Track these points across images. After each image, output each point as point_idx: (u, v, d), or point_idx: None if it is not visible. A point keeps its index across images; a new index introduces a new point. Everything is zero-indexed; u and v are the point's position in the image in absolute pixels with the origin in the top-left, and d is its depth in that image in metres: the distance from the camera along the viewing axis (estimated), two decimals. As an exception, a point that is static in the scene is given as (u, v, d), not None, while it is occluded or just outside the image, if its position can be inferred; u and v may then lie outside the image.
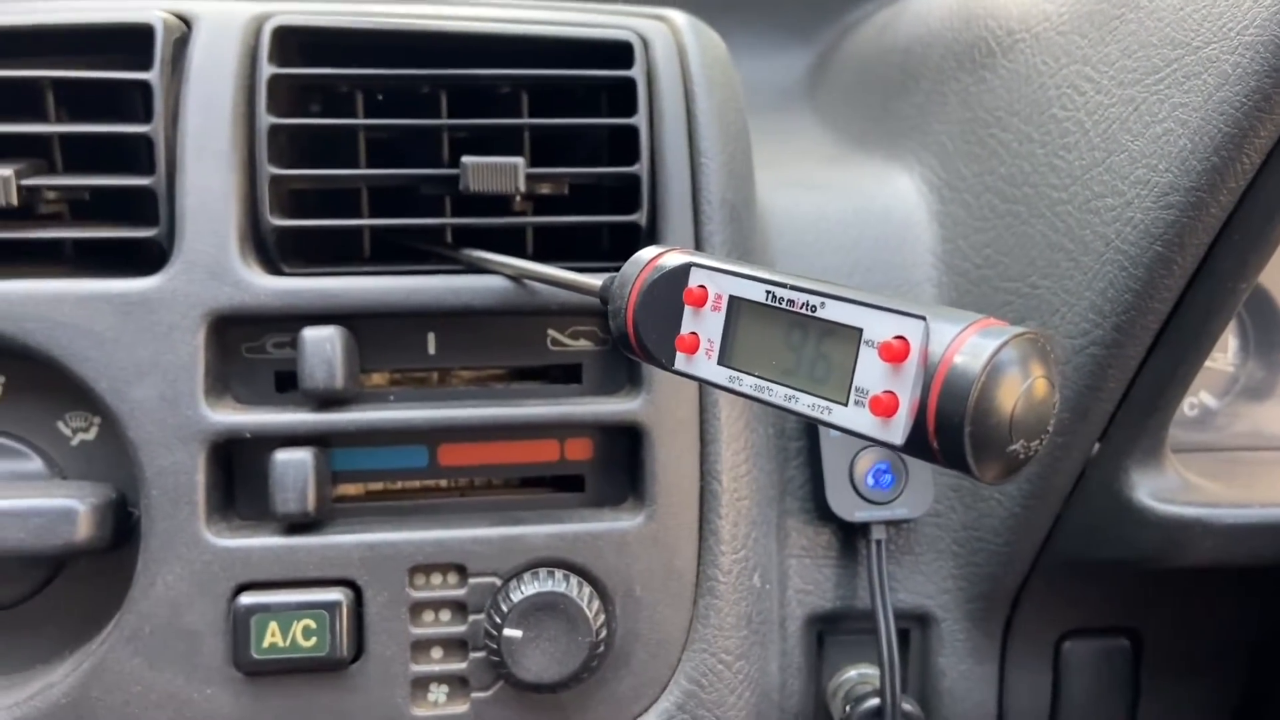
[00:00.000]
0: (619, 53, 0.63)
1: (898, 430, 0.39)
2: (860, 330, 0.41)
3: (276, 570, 0.56)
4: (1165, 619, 0.74)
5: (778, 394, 0.44)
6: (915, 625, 0.70)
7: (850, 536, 0.69)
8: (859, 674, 0.70)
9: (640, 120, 0.62)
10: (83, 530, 0.55)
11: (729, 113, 0.65)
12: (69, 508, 0.54)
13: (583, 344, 0.62)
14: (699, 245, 0.62)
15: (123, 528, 0.57)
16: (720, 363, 0.46)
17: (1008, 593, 0.69)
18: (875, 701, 0.66)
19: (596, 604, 0.58)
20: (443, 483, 0.63)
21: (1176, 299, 0.56)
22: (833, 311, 0.42)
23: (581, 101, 0.65)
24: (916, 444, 0.39)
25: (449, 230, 0.61)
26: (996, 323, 0.38)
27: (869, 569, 0.67)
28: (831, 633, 0.71)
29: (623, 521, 0.60)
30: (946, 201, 0.74)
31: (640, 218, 0.61)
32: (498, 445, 0.61)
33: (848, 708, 0.68)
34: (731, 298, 0.46)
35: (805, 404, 0.43)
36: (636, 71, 0.62)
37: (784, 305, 0.44)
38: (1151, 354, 0.58)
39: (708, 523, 0.60)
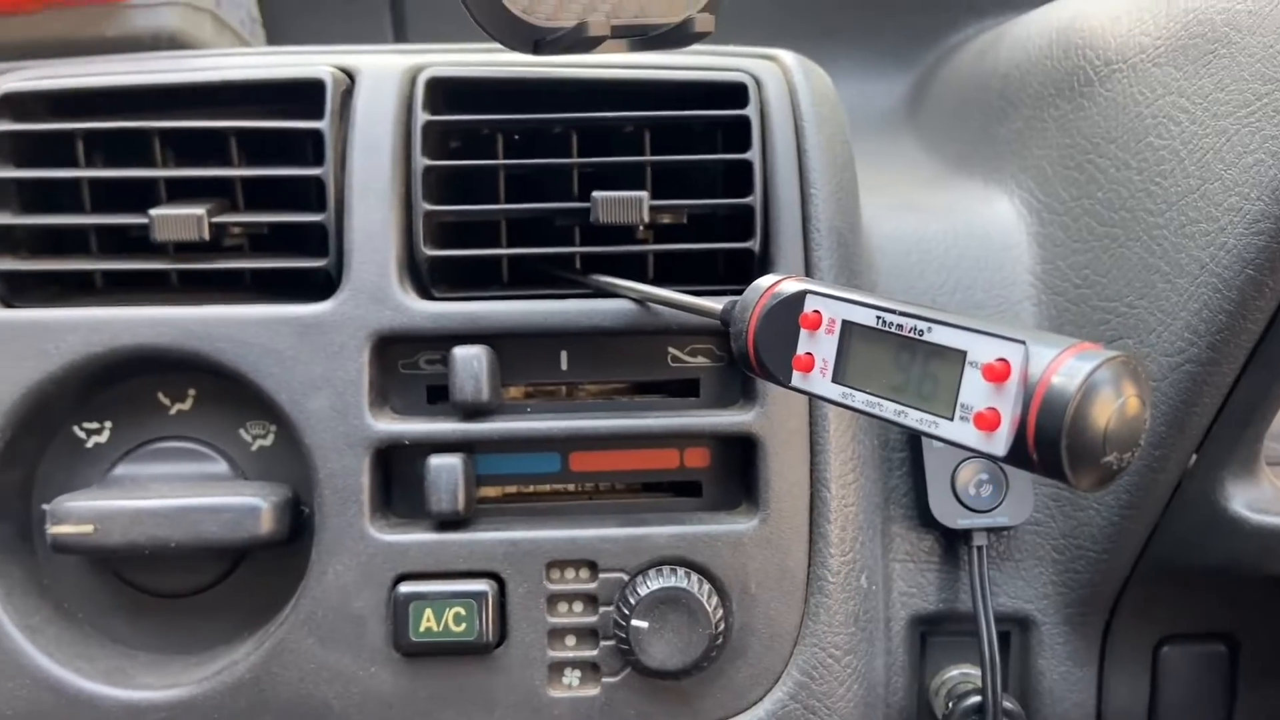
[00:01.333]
0: (734, 93, 0.69)
1: (1000, 443, 0.44)
2: (965, 353, 0.45)
3: (430, 563, 0.63)
4: (1262, 625, 0.76)
5: (888, 409, 0.49)
6: (1015, 628, 0.74)
7: (952, 543, 0.73)
8: (961, 673, 0.74)
9: (754, 155, 0.67)
10: (266, 525, 0.62)
11: (836, 146, 0.70)
12: (255, 505, 0.62)
13: (700, 361, 0.68)
14: (809, 270, 0.67)
15: (296, 524, 0.65)
16: (834, 380, 0.51)
17: (1106, 598, 0.72)
18: (977, 699, 0.70)
19: (715, 599, 0.63)
20: (572, 487, 0.69)
21: (1269, 319, 0.59)
22: (939, 335, 0.46)
23: (699, 137, 0.71)
24: (1018, 455, 0.43)
25: (578, 257, 0.67)
26: (1091, 346, 0.42)
27: (970, 573, 0.71)
28: (934, 634, 0.75)
29: (738, 524, 0.65)
30: (1045, 224, 0.78)
31: (754, 245, 0.67)
32: (623, 453, 0.67)
33: (950, 704, 0.71)
34: (844, 322, 0.51)
35: (914, 418, 0.47)
36: (751, 110, 0.68)
37: (893, 329, 0.48)
38: (1245, 371, 0.61)
39: (817, 527, 0.65)
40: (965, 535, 0.72)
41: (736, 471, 0.68)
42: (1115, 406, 0.41)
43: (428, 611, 0.62)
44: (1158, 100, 0.67)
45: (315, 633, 0.63)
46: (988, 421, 0.44)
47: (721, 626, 0.63)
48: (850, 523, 0.66)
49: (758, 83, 0.70)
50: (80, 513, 0.61)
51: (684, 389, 0.68)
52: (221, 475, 0.66)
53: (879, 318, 0.49)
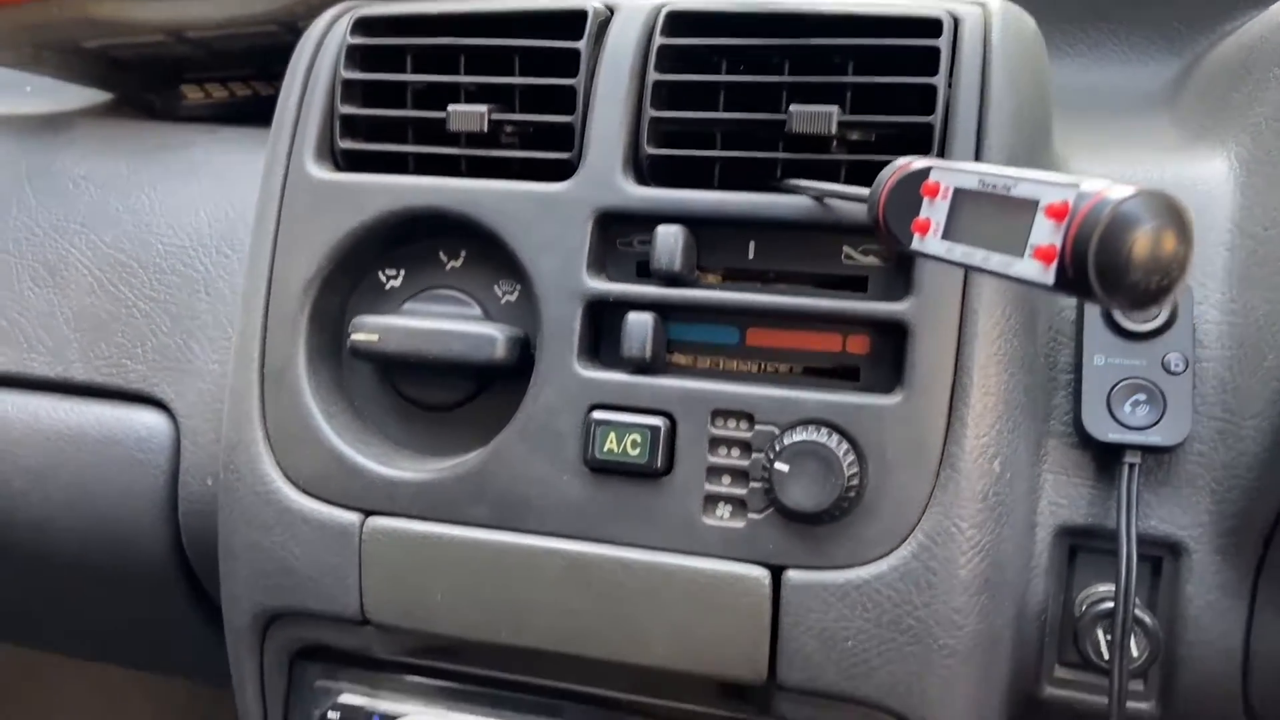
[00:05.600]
0: (931, 26, 0.77)
1: (1051, 272, 0.50)
2: (1038, 201, 0.52)
3: (618, 397, 0.77)
4: None
5: (977, 256, 0.56)
6: (1167, 554, 0.76)
7: (1107, 461, 0.77)
8: (1107, 589, 0.77)
9: (939, 80, 0.75)
10: (499, 351, 0.79)
11: (1023, 74, 0.76)
12: (492, 335, 0.80)
13: (870, 260, 0.77)
14: (976, 183, 0.74)
15: (524, 358, 0.81)
16: (942, 238, 0.59)
17: (1259, 532, 0.72)
18: (1110, 605, 0.73)
19: (851, 458, 0.72)
20: (749, 366, 0.80)
21: None
22: (1021, 189, 0.54)
23: (901, 65, 0.79)
24: (1061, 281, 0.50)
25: (780, 164, 0.78)
26: (1131, 186, 0.48)
27: (1118, 488, 0.74)
28: (1084, 549, 0.78)
29: (883, 399, 0.73)
30: (1251, 174, 0.79)
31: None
32: (793, 333, 0.78)
33: (1084, 607, 0.75)
34: (956, 189, 0.59)
35: (995, 262, 0.55)
36: (941, 42, 0.76)
37: (989, 189, 0.56)
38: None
39: (956, 409, 0.72)
40: (1118, 453, 0.75)
41: (891, 362, 0.76)
42: (1142, 231, 0.46)
43: (611, 435, 0.76)
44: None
45: (526, 441, 0.79)
46: (1045, 254, 0.50)
47: (855, 483, 0.72)
48: (988, 411, 0.72)
49: (955, 20, 0.78)
50: (371, 325, 0.82)
51: (853, 285, 0.77)
52: (476, 318, 0.84)
53: (981, 180, 0.57)
